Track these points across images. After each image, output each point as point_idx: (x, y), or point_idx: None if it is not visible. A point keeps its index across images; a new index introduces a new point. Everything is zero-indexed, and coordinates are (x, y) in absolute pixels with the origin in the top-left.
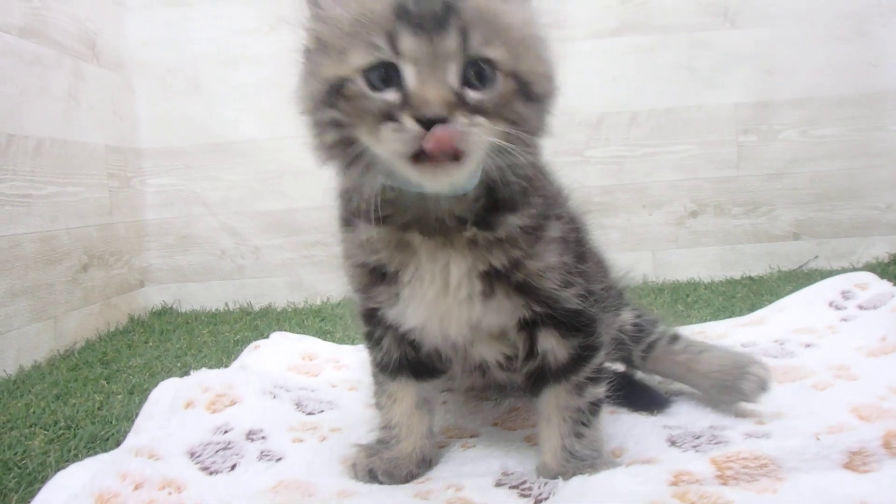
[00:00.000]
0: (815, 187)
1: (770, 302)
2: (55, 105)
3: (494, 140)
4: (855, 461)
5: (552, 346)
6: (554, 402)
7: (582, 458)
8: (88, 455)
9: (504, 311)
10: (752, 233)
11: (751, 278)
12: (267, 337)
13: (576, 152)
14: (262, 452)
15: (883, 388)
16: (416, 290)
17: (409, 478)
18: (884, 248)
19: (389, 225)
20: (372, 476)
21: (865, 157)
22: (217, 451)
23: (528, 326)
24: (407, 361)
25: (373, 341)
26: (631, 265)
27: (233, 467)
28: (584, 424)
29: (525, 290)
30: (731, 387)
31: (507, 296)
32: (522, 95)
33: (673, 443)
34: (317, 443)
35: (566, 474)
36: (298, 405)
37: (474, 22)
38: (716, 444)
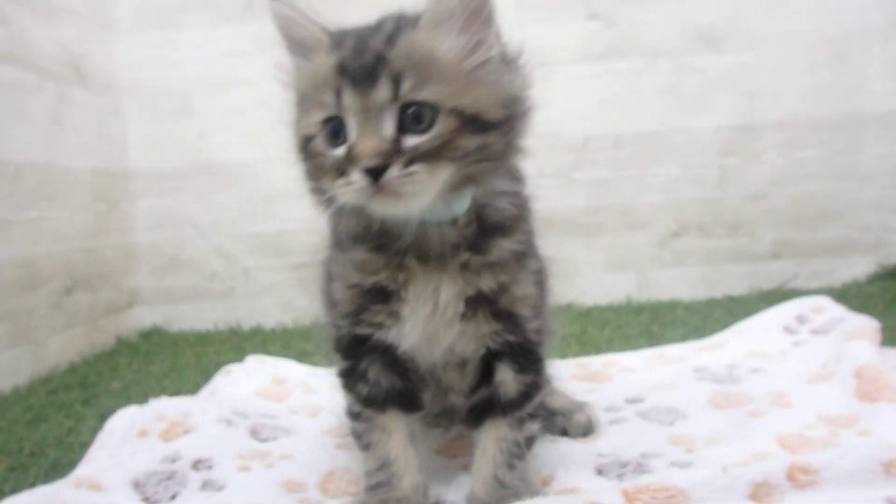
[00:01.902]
0: (795, 208)
1: None
2: (35, 130)
3: (441, 178)
4: (760, 492)
5: (507, 379)
6: (493, 433)
7: (510, 488)
8: (47, 483)
9: (478, 338)
10: (733, 253)
11: (731, 298)
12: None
13: (562, 174)
14: (204, 482)
15: (813, 416)
16: (414, 308)
17: None
18: (862, 269)
19: (385, 250)
20: None
21: (845, 179)
22: (160, 482)
23: (490, 358)
24: (395, 392)
25: (356, 375)
26: (615, 285)
27: (173, 497)
28: (517, 457)
29: (502, 316)
30: (564, 427)
31: (486, 321)
32: (472, 127)
33: (600, 472)
34: (262, 470)
35: (490, 503)
36: (253, 432)
37: (406, 67)
38: (640, 473)
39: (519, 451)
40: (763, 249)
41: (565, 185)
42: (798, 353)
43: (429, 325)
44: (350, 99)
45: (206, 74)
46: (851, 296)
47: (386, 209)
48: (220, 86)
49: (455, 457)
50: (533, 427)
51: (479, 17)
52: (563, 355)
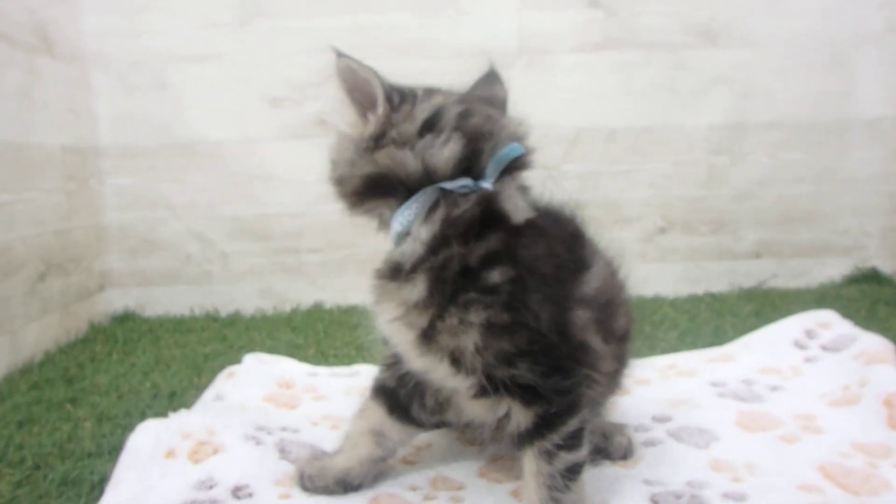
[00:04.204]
0: (779, 209)
1: (732, 324)
2: (7, 105)
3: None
4: None
5: (512, 411)
6: (528, 465)
7: None
8: (60, 498)
9: (444, 373)
10: (716, 250)
11: (713, 295)
12: (240, 360)
13: (552, 166)
14: None
15: (847, 444)
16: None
17: (324, 491)
18: (838, 270)
19: None
20: (300, 479)
21: (828, 182)
22: None
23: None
24: (389, 390)
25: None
26: None
27: None
28: (558, 490)
29: (454, 360)
30: (604, 448)
31: (440, 359)
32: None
33: (656, 502)
34: (305, 499)
35: None
36: (282, 451)
37: None
38: None
39: (557, 484)
40: (745, 248)
41: (555, 176)
42: (812, 370)
43: (396, 343)
44: None
45: (180, 46)
46: (831, 298)
47: None
48: (196, 59)
49: (499, 481)
50: (569, 457)
51: (351, 100)
52: None
